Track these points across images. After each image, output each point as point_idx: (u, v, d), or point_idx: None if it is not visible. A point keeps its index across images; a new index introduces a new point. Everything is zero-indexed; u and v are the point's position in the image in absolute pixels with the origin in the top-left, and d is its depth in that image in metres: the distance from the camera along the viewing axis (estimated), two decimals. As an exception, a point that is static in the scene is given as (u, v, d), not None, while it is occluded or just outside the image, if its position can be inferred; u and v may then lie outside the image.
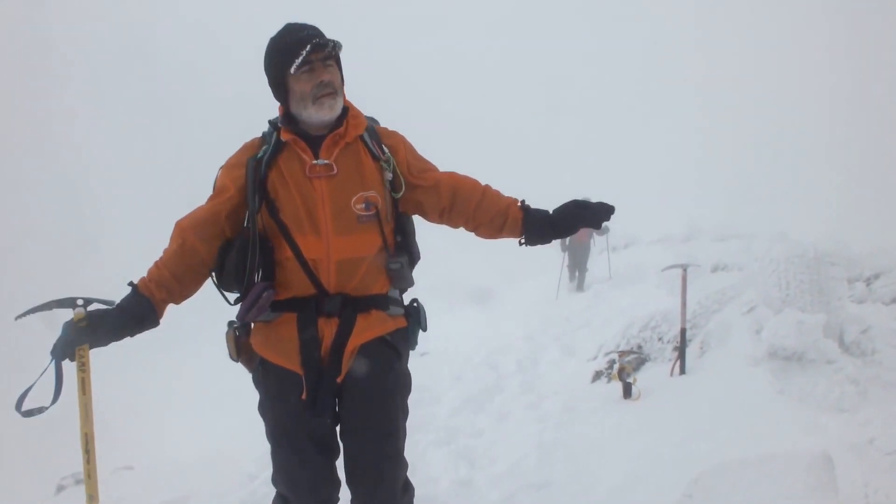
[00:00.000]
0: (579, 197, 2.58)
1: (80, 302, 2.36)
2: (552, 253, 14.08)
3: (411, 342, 2.62)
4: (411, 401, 6.16)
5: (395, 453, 2.49)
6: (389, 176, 2.48)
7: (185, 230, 2.38)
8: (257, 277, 2.39)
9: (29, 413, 2.27)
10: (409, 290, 2.68)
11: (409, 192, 2.53)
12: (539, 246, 2.59)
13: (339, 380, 2.36)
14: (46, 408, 2.28)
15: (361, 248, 2.40)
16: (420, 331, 2.64)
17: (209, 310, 2.69)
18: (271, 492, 2.61)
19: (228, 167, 2.47)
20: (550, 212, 2.55)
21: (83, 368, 2.36)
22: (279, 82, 2.42)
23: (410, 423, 5.64)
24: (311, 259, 2.35)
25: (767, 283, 5.55)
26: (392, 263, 2.49)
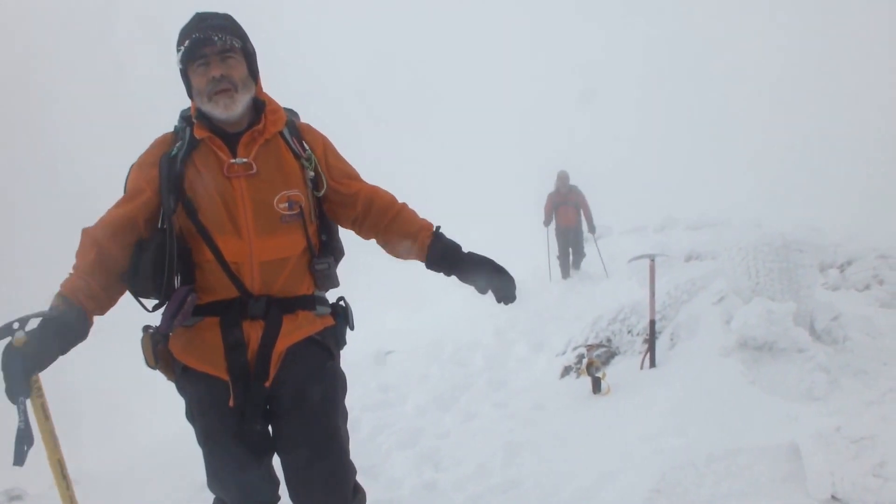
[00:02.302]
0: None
1: (15, 325, 2.01)
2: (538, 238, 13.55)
3: (341, 341, 2.60)
4: (375, 402, 6.13)
5: (338, 459, 2.45)
6: (311, 174, 2.45)
7: (101, 239, 2.23)
8: (177, 281, 2.31)
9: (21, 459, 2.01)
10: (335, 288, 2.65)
11: (328, 193, 2.50)
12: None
13: (267, 384, 2.31)
14: (26, 450, 2.00)
15: (285, 248, 2.37)
16: (348, 329, 2.63)
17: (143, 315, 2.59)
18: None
19: (141, 166, 2.37)
20: (464, 250, 2.55)
21: (40, 394, 2.06)
22: (182, 75, 2.38)
23: (374, 426, 5.63)
24: (234, 262, 2.30)
25: (737, 271, 5.62)
26: (318, 264, 2.47)
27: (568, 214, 13.03)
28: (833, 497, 3.02)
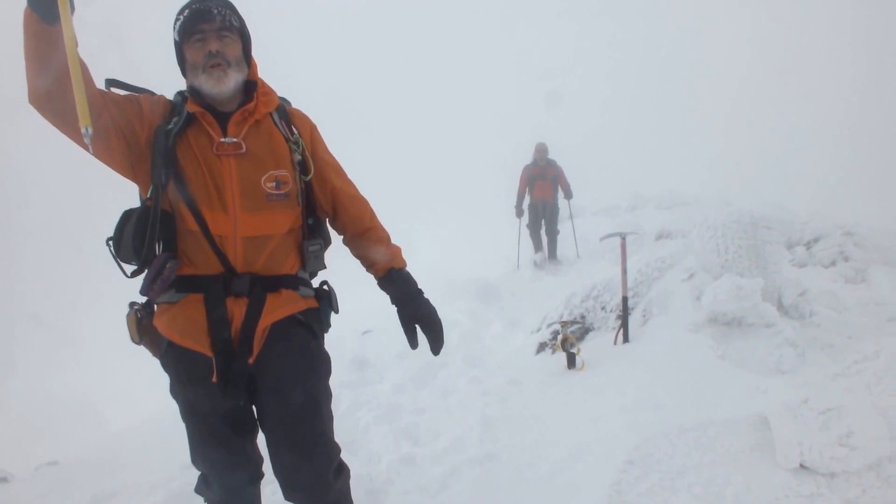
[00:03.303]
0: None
1: None
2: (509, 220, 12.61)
3: (325, 324, 2.63)
4: (353, 379, 6.13)
5: (320, 436, 2.48)
6: (298, 157, 2.47)
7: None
8: (159, 249, 2.33)
9: None
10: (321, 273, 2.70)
11: (312, 178, 2.52)
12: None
13: (250, 361, 2.33)
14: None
15: (270, 226, 2.38)
16: (332, 312, 2.66)
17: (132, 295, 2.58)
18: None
19: (153, 104, 2.37)
20: (409, 294, 2.61)
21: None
22: (178, 50, 2.39)
23: (353, 402, 5.65)
24: (218, 235, 2.31)
25: (706, 249, 5.71)
26: (311, 245, 2.52)
27: (545, 189, 12.17)
28: (801, 466, 3.11)
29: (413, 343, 2.60)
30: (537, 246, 12.55)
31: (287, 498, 2.54)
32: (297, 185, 2.46)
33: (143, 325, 2.39)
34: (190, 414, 2.41)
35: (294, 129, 2.50)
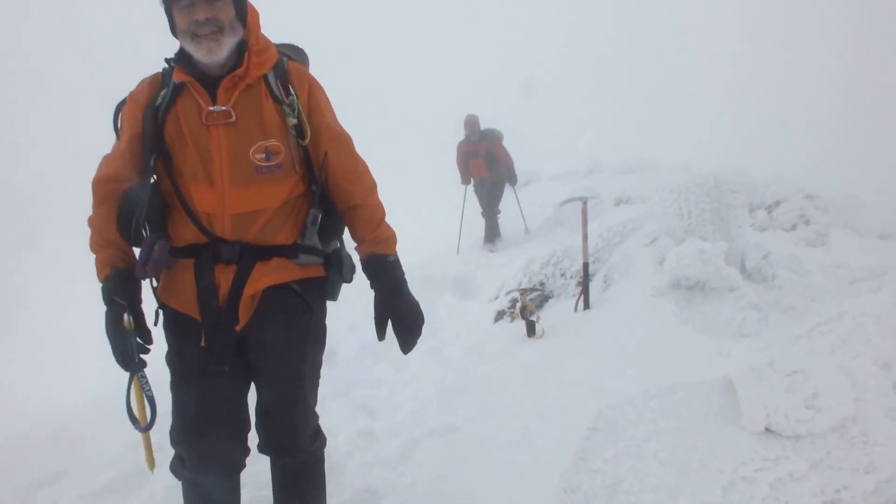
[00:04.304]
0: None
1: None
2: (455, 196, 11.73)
3: (330, 293, 2.58)
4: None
5: (296, 399, 2.51)
6: (293, 121, 2.34)
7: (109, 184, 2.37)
8: (146, 229, 2.36)
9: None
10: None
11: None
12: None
13: (237, 328, 2.34)
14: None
15: (260, 200, 2.32)
16: (342, 282, 2.60)
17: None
18: (157, 461, 2.60)
19: (133, 103, 2.37)
20: (388, 287, 2.52)
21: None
22: (167, 12, 2.27)
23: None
24: (205, 212, 2.29)
25: (669, 213, 5.73)
26: (314, 215, 2.45)
27: (479, 167, 11.14)
28: (767, 429, 3.15)
29: (380, 336, 2.56)
30: (488, 237, 11.49)
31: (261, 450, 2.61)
32: (292, 153, 2.35)
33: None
34: (178, 376, 2.41)
35: (292, 89, 2.37)
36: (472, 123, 11.00)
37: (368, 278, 2.54)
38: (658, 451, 3.15)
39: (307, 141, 2.37)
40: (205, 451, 2.40)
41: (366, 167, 2.56)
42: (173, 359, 2.44)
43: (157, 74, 2.40)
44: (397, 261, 2.54)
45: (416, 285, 7.79)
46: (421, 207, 13.78)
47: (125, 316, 2.32)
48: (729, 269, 5.12)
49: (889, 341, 3.87)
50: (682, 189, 5.78)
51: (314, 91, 2.45)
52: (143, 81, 2.40)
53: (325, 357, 6.01)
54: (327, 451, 3.91)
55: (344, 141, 2.50)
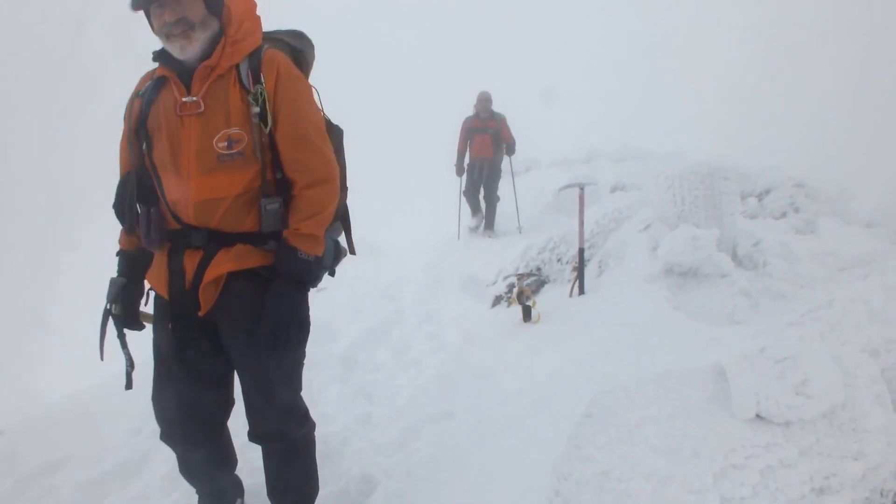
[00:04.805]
0: None
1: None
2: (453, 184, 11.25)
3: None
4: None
5: (271, 390, 2.49)
6: (256, 109, 2.30)
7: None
8: (138, 212, 2.46)
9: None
10: None
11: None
12: None
13: (200, 313, 2.36)
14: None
15: (220, 188, 2.30)
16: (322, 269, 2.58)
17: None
18: (156, 447, 2.64)
19: (130, 99, 2.49)
20: (280, 276, 2.40)
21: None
22: (146, 14, 2.33)
23: (307, 361, 5.51)
24: (172, 200, 2.35)
25: (663, 199, 5.66)
26: (269, 203, 2.37)
27: (485, 144, 10.57)
28: (757, 415, 3.09)
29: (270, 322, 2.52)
30: (474, 209, 11.11)
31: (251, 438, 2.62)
32: (255, 140, 2.31)
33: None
34: (156, 357, 2.52)
35: (262, 77, 2.34)
36: (485, 100, 10.53)
37: (274, 265, 2.42)
38: (650, 437, 3.09)
39: (269, 128, 2.33)
40: (176, 429, 2.52)
41: (321, 160, 2.43)
42: (154, 337, 2.55)
43: (148, 72, 2.50)
44: (308, 262, 2.38)
45: (419, 273, 7.80)
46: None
47: (109, 305, 2.50)
48: (721, 256, 5.06)
49: (878, 328, 3.82)
50: (676, 176, 5.70)
51: (282, 78, 2.37)
52: (141, 78, 2.51)
53: (326, 342, 6.01)
54: (325, 438, 3.89)
55: (301, 131, 2.40)
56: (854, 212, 7.36)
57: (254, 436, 2.59)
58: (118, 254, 2.58)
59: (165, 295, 2.41)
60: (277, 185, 2.41)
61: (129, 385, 2.52)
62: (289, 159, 2.38)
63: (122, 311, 2.52)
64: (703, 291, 4.95)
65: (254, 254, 2.38)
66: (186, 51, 2.28)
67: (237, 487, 2.93)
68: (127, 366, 2.53)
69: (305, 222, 2.37)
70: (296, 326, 2.38)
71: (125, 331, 2.56)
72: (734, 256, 5.47)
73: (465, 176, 10.96)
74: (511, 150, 10.71)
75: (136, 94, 2.42)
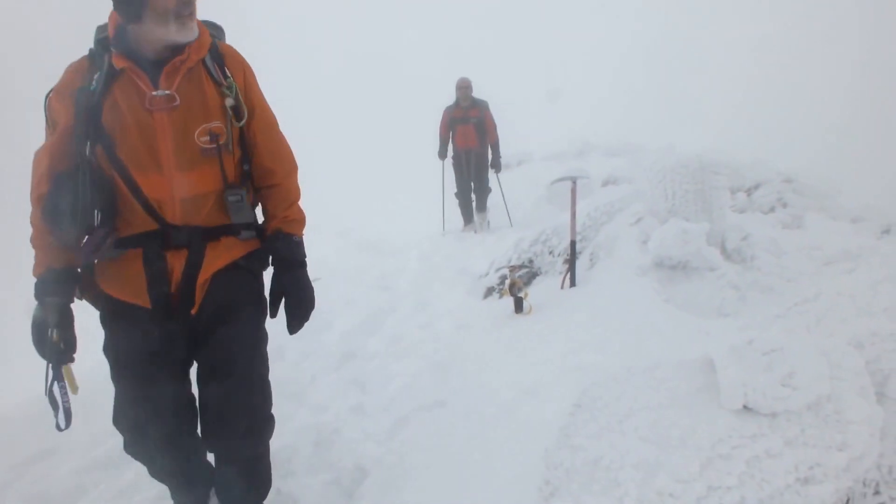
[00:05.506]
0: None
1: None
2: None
3: (265, 262, 2.57)
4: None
5: (256, 382, 2.46)
6: (231, 102, 2.31)
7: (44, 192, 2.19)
8: (97, 217, 2.23)
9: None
10: None
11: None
12: None
13: (193, 311, 2.31)
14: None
15: (206, 183, 2.30)
16: None
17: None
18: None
19: (59, 94, 2.22)
20: (288, 263, 2.50)
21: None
22: None
23: (300, 351, 5.52)
24: (155, 198, 2.23)
25: (654, 193, 5.67)
26: (230, 196, 2.38)
27: (468, 135, 9.98)
28: (745, 407, 3.11)
29: (273, 313, 2.53)
30: (466, 217, 10.56)
31: (209, 447, 2.52)
32: (228, 133, 2.32)
33: (86, 281, 2.33)
34: (121, 368, 2.34)
35: (227, 72, 2.33)
36: (465, 87, 9.92)
37: (272, 254, 2.51)
38: (639, 427, 3.11)
39: (243, 122, 2.34)
40: (149, 442, 2.39)
41: (289, 149, 2.56)
42: (114, 350, 2.35)
43: (81, 60, 2.26)
44: (301, 243, 2.54)
45: (412, 263, 7.78)
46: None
47: (50, 331, 2.23)
48: (710, 250, 5.08)
49: (863, 321, 3.85)
50: (667, 170, 5.71)
51: (248, 73, 2.42)
52: (67, 70, 2.26)
53: (319, 332, 6.00)
54: (317, 427, 3.91)
55: (272, 122, 2.49)
56: (841, 207, 7.39)
57: (227, 451, 2.48)
58: (45, 273, 2.24)
59: (144, 302, 2.27)
60: (243, 177, 2.44)
61: (68, 423, 2.36)
62: (267, 150, 2.45)
63: (65, 338, 2.27)
64: (693, 284, 4.97)
65: (238, 245, 2.42)
66: (192, 33, 2.21)
67: (210, 470, 2.78)
68: (64, 402, 2.33)
69: (293, 208, 2.50)
70: (313, 304, 2.54)
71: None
72: (723, 250, 5.49)
73: (447, 162, 10.46)
74: (497, 164, 10.28)
75: (84, 89, 2.16)
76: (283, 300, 2.48)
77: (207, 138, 2.25)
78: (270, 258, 2.54)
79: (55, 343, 2.24)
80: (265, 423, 2.52)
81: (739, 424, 3.05)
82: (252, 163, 2.44)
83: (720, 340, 3.76)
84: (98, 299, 2.36)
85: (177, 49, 2.22)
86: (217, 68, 2.32)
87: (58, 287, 2.23)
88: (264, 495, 2.67)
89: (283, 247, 2.47)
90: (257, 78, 2.48)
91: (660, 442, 2.99)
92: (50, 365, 2.27)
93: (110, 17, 2.22)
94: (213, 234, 2.35)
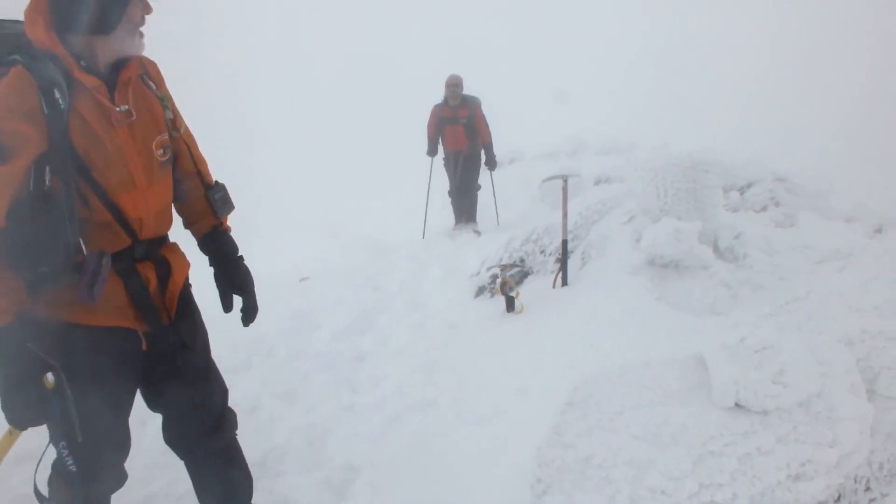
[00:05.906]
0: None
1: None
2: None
3: None
4: (291, 328, 6.00)
5: (217, 387, 2.57)
6: (170, 115, 2.34)
7: None
8: (84, 246, 2.06)
9: None
10: None
11: None
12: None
13: (166, 322, 2.35)
14: None
15: (167, 194, 2.35)
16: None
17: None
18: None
19: (14, 113, 1.90)
20: (230, 257, 2.58)
21: None
22: (120, 3, 2.05)
23: (290, 351, 5.51)
24: (136, 217, 2.18)
25: (646, 192, 5.69)
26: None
27: (457, 135, 9.58)
28: (736, 404, 3.14)
29: (226, 307, 2.56)
30: (458, 216, 10.21)
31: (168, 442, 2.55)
32: (172, 145, 2.37)
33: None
34: (87, 395, 2.11)
35: (152, 84, 2.31)
36: (455, 85, 9.47)
37: (212, 252, 2.57)
38: (631, 425, 3.13)
39: (182, 130, 2.40)
40: (108, 472, 2.34)
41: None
42: (82, 380, 2.11)
43: (13, 78, 1.92)
44: (232, 237, 2.63)
45: (403, 262, 7.75)
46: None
47: (49, 375, 2.01)
48: (702, 248, 5.10)
49: (853, 319, 3.87)
50: (659, 168, 5.73)
51: (164, 83, 2.39)
52: (6, 86, 1.92)
53: (310, 332, 5.98)
54: (308, 427, 3.90)
55: (189, 129, 2.51)
56: (833, 206, 7.43)
57: (197, 436, 2.50)
58: (10, 325, 1.96)
59: (137, 325, 2.21)
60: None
61: None
62: (198, 157, 2.51)
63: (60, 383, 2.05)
64: (685, 283, 4.99)
65: (177, 247, 2.47)
66: (143, 45, 2.17)
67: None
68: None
69: (227, 207, 2.57)
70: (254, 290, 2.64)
71: None
72: (715, 249, 5.51)
73: (436, 164, 10.18)
74: (491, 162, 9.91)
75: (56, 109, 1.92)
76: (233, 293, 2.56)
77: (161, 151, 2.26)
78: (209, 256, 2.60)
79: (51, 389, 2.03)
80: (231, 414, 2.63)
81: (731, 422, 3.07)
82: (176, 165, 2.43)
83: (712, 338, 3.78)
84: (57, 337, 2.07)
85: (119, 63, 2.12)
86: (149, 81, 2.29)
87: (21, 335, 1.97)
88: (251, 484, 2.72)
89: (224, 244, 2.57)
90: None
91: (652, 440, 3.01)
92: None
93: (33, 22, 1.98)
94: (161, 241, 2.39)
